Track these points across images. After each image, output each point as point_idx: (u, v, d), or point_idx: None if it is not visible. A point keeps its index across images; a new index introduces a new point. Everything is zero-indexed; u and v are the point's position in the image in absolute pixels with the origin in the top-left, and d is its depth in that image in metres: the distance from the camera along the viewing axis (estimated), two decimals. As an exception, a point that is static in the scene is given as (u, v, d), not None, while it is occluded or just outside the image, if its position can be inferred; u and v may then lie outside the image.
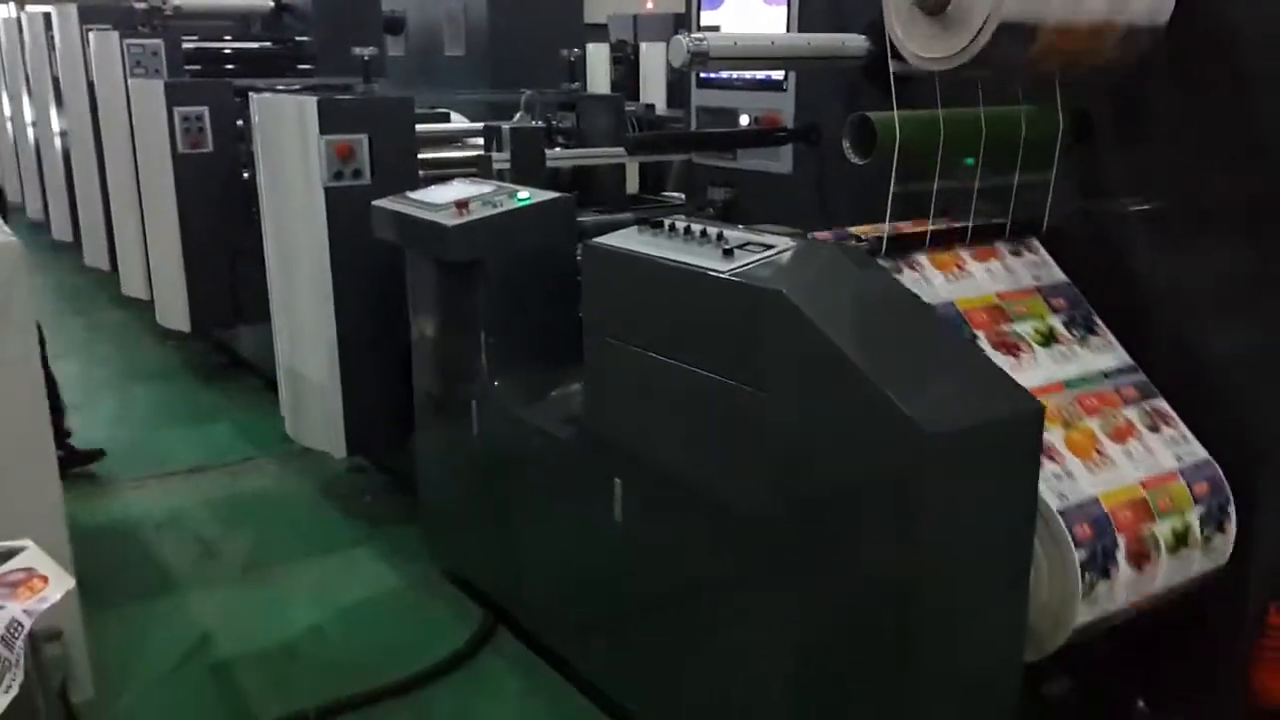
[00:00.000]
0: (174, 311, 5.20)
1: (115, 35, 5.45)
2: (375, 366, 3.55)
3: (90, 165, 6.27)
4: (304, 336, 3.65)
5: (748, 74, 3.20)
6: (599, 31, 10.12)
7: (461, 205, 2.74)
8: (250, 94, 3.74)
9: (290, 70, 5.97)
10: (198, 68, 5.78)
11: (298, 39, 6.04)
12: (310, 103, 3.32)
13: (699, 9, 3.34)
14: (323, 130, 3.33)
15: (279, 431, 4.04)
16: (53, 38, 6.68)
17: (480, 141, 3.87)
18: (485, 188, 2.92)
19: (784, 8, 3.02)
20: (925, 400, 1.63)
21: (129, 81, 5.24)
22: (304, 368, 3.67)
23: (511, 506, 2.80)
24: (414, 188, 3.49)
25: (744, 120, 3.23)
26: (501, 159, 3.18)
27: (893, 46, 2.06)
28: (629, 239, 2.25)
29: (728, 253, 1.99)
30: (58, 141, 7.17)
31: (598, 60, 8.38)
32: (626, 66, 9.66)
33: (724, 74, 3.28)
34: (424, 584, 3.31)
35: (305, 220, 3.47)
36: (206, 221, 4.98)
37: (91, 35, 5.65)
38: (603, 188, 3.80)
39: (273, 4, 6.10)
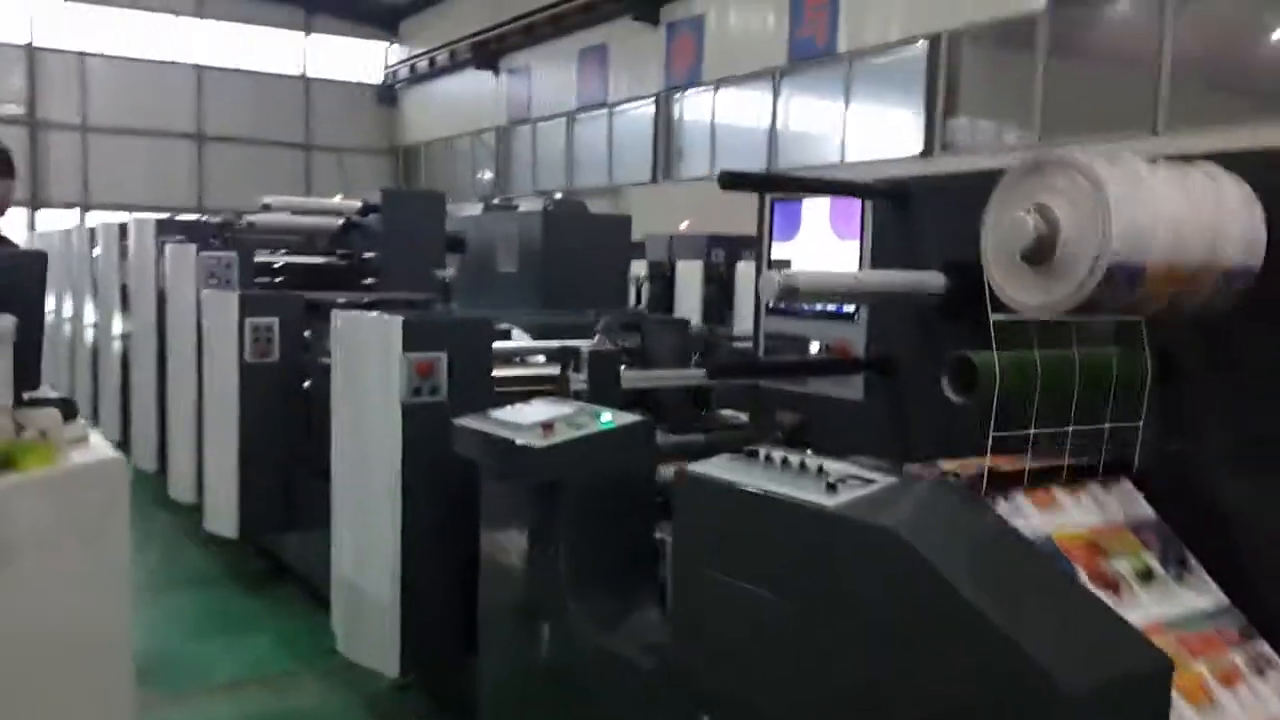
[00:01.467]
0: (223, 517, 5.21)
1: (192, 248, 5.71)
2: (437, 584, 3.51)
3: (150, 369, 6.45)
4: (366, 549, 3.63)
5: (820, 306, 3.32)
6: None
7: (547, 427, 2.78)
8: (332, 310, 3.87)
9: (355, 284, 6.22)
10: (266, 279, 6.03)
11: (364, 255, 6.32)
12: (396, 321, 3.44)
13: (769, 241, 3.50)
14: (405, 348, 3.42)
15: (323, 644, 3.96)
16: (126, 246, 7.00)
17: (541, 359, 4.01)
18: (567, 409, 2.97)
19: (856, 242, 3.16)
20: (1056, 651, 1.60)
21: (202, 291, 5.45)
22: (363, 581, 3.63)
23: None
24: (488, 405, 3.57)
25: (814, 347, 3.32)
26: (579, 379, 3.25)
27: (989, 290, 2.14)
28: (724, 468, 2.26)
29: (831, 486, 1.99)
30: (116, 345, 7.40)
31: (689, 279, 8.72)
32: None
33: (797, 305, 3.39)
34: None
35: (380, 433, 3.52)
36: (265, 429, 5.06)
37: (168, 246, 5.93)
38: (665, 405, 3.86)
39: (342, 222, 6.42)
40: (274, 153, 23.21)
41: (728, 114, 16.09)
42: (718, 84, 16.03)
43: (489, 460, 2.98)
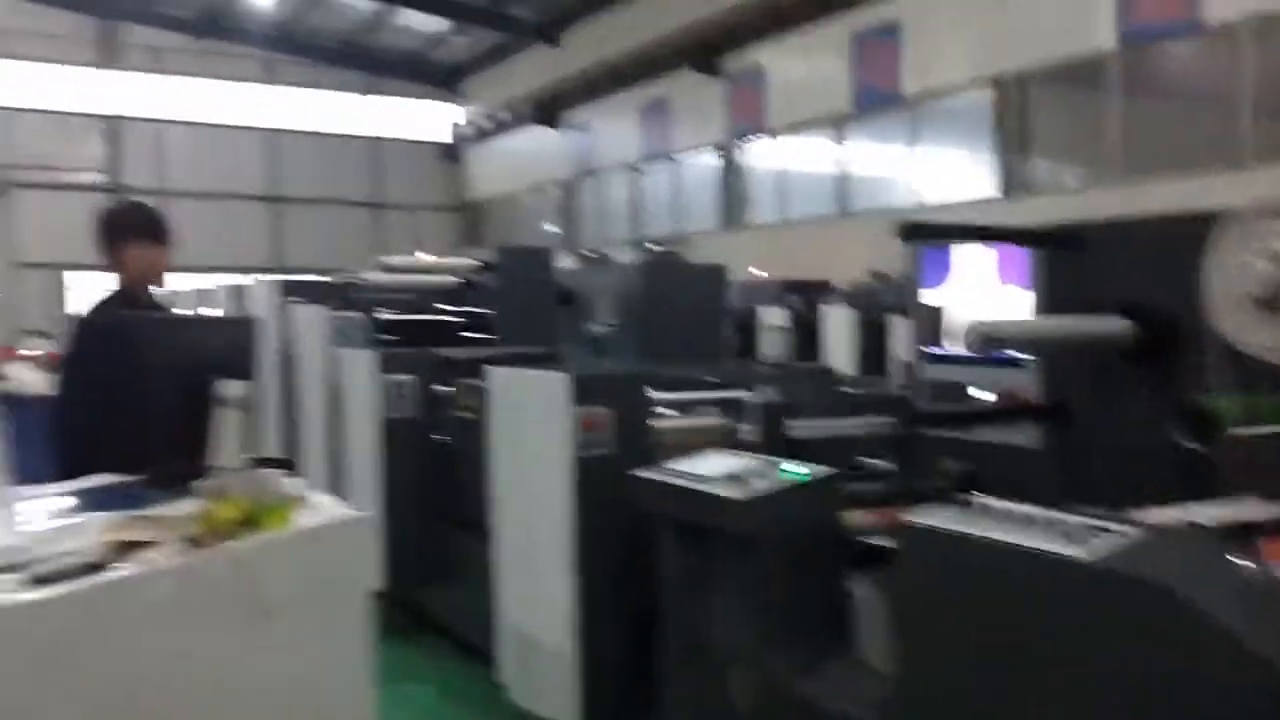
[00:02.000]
0: (363, 569, 5.33)
1: (325, 310, 5.92)
2: (612, 634, 3.59)
3: (270, 427, 6.65)
4: (539, 601, 3.72)
5: (986, 351, 3.38)
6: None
7: (739, 479, 2.86)
8: (485, 366, 4.00)
9: (471, 339, 6.38)
10: (392, 337, 6.21)
11: (480, 311, 6.49)
12: (563, 378, 3.56)
13: (918, 287, 3.57)
14: (574, 403, 3.54)
15: (484, 692, 4.03)
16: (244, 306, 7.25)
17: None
18: (748, 460, 3.05)
19: (1017, 288, 3.23)
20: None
21: (341, 350, 5.63)
22: (537, 632, 3.72)
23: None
24: (650, 457, 3.66)
25: (980, 395, 3.37)
26: (748, 430, 3.34)
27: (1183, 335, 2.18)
28: (947, 518, 2.31)
29: (1076, 536, 2.03)
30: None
31: (772, 325, 8.82)
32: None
33: (955, 350, 3.46)
34: None
35: (549, 487, 3.63)
36: (406, 483, 5.20)
37: (297, 307, 6.14)
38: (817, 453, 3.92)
39: (460, 281, 6.60)
40: (345, 212, 23.81)
41: (794, 160, 16.24)
42: (781, 131, 16.20)
43: (675, 512, 3.05)
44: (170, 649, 2.15)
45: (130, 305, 3.67)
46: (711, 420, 3.82)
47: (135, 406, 2.56)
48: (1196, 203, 2.85)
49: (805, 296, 12.09)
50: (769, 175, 16.63)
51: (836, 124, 15.15)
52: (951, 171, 13.93)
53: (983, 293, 3.29)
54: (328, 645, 2.32)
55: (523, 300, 6.45)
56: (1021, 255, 3.20)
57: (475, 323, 6.51)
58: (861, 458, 4.03)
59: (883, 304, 10.92)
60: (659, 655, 3.35)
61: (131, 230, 3.59)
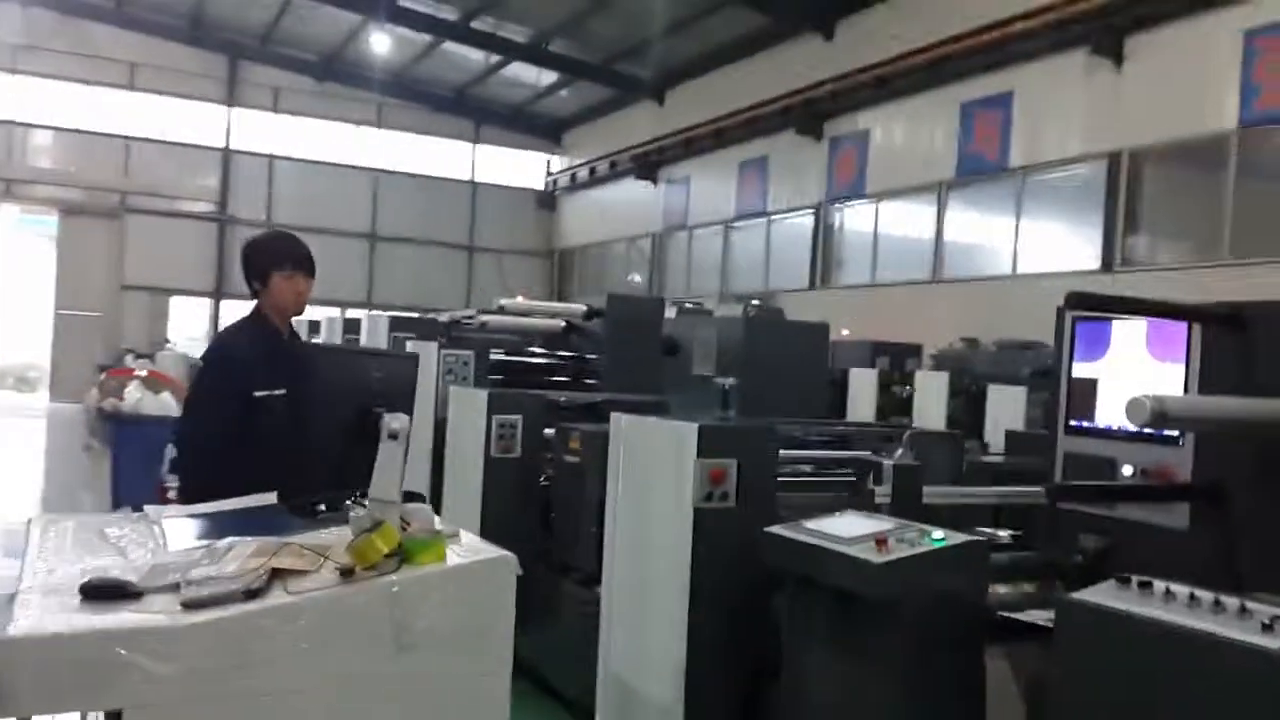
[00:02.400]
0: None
1: (435, 346, 6.00)
2: (723, 689, 3.51)
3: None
4: (646, 651, 3.65)
5: (1132, 427, 3.25)
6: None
7: (881, 542, 2.78)
8: (614, 414, 3.99)
9: (575, 384, 6.40)
10: (499, 377, 6.26)
11: (586, 355, 6.52)
12: (691, 428, 3.52)
13: (1070, 361, 3.46)
14: (700, 454, 3.49)
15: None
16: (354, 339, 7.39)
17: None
18: (886, 523, 2.97)
19: (1180, 365, 3.11)
20: None
21: (450, 388, 5.69)
22: (643, 683, 3.65)
23: None
24: (773, 512, 3.59)
25: (1126, 471, 3.24)
26: (883, 493, 3.26)
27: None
28: (1114, 598, 2.21)
29: (1266, 626, 1.93)
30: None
31: (864, 386, 8.70)
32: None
33: (1103, 424, 3.34)
34: None
35: (668, 537, 3.58)
36: (506, 522, 5.18)
37: (411, 343, 6.23)
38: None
39: (564, 325, 6.65)
40: (439, 253, 24.32)
41: (890, 224, 16.14)
42: (880, 196, 16.13)
43: (809, 571, 2.98)
44: (316, 678, 2.15)
45: (265, 332, 3.73)
46: (826, 478, 3.75)
47: (300, 432, 2.58)
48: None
49: (895, 358, 11.97)
50: (863, 237, 16.54)
51: (937, 190, 15.04)
52: (1055, 243, 13.68)
53: (1134, 368, 3.16)
54: (468, 682, 2.30)
55: (629, 348, 6.46)
56: (1176, 333, 3.08)
57: (579, 368, 6.54)
58: (985, 529, 3.93)
59: (975, 370, 10.75)
60: (767, 714, 3.26)
61: (280, 259, 3.66)
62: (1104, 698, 2.16)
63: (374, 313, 7.29)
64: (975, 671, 2.81)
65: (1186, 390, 3.05)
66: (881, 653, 2.77)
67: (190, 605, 2.11)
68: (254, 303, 3.72)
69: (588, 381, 6.44)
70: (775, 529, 3.12)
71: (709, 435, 3.53)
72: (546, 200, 25.99)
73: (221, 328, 5.46)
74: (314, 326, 8.58)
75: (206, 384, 3.71)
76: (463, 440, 5.37)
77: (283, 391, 3.61)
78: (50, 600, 2.07)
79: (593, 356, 6.54)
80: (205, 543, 2.57)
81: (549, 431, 5.33)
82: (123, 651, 1.97)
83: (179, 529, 2.74)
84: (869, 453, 4.12)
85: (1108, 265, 12.33)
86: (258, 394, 3.55)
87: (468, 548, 2.42)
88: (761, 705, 3.55)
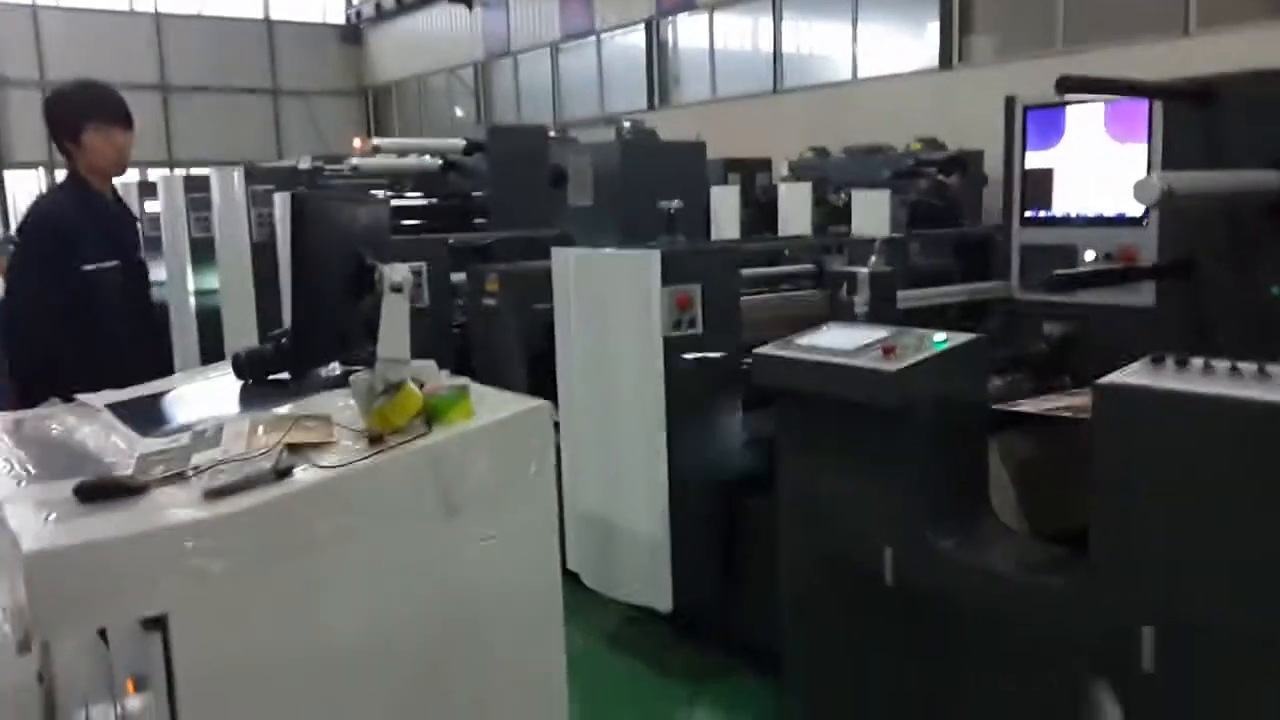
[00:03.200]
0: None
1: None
2: (705, 516, 3.49)
3: (249, 318, 6.26)
4: (625, 485, 3.58)
5: (1091, 211, 3.29)
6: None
7: (888, 350, 2.74)
8: (557, 250, 3.77)
9: (463, 225, 6.07)
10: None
11: (471, 194, 6.16)
12: (654, 256, 3.36)
13: (1023, 151, 3.45)
14: (664, 281, 3.35)
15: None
16: (204, 199, 6.75)
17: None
18: (879, 331, 2.93)
19: (1141, 145, 3.13)
20: None
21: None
22: (621, 518, 3.60)
23: (952, 667, 2.70)
24: (739, 335, 3.52)
25: (1088, 256, 3.29)
26: (861, 302, 3.21)
27: None
28: (1153, 378, 2.24)
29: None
30: (192, 301, 7.18)
31: (727, 204, 8.57)
32: (757, 209, 9.88)
33: (1060, 213, 3.37)
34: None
35: (635, 372, 3.46)
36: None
37: (279, 196, 5.72)
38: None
39: (442, 163, 6.24)
40: (241, 100, 22.48)
41: (726, 36, 15.85)
42: (714, 6, 15.74)
43: (822, 388, 2.89)
44: (363, 557, 1.96)
45: (85, 196, 3.33)
46: (804, 294, 3.69)
47: (304, 289, 2.28)
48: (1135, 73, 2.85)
49: (746, 174, 11.92)
50: (700, 53, 16.21)
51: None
52: (888, 46, 13.78)
53: (1093, 151, 3.17)
54: (517, 540, 2.15)
55: (515, 182, 6.14)
56: (1136, 113, 3.08)
57: (466, 208, 6.19)
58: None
59: (830, 178, 10.83)
60: (749, 534, 3.27)
61: (89, 111, 3.24)
62: (1151, 480, 2.20)
63: (177, 172, 6.61)
64: (982, 465, 2.86)
65: (1150, 169, 3.09)
66: (894, 459, 2.77)
67: (215, 494, 1.86)
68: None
69: (477, 221, 6.11)
70: (765, 350, 3.03)
71: (672, 262, 3.38)
72: (351, 34, 24.24)
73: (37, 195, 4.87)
74: (148, 189, 7.78)
75: (25, 261, 3.30)
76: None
77: (116, 263, 3.28)
78: (43, 510, 1.78)
79: (477, 195, 6.18)
80: (176, 427, 2.29)
81: (457, 277, 5.06)
82: (163, 552, 1.73)
83: (133, 415, 2.44)
84: (812, 265, 4.07)
85: (946, 63, 12.52)
86: (87, 268, 3.19)
87: (493, 400, 2.23)
88: (742, 524, 3.56)
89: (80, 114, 3.29)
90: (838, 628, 3.00)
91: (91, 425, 2.41)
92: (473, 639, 2.13)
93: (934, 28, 12.66)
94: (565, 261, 3.71)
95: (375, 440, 2.04)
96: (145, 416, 2.43)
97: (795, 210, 9.93)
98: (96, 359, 3.05)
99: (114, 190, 3.54)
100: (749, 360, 3.28)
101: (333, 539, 1.93)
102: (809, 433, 3.00)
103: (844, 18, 13.83)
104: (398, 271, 2.21)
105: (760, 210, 10.00)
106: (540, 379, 3.95)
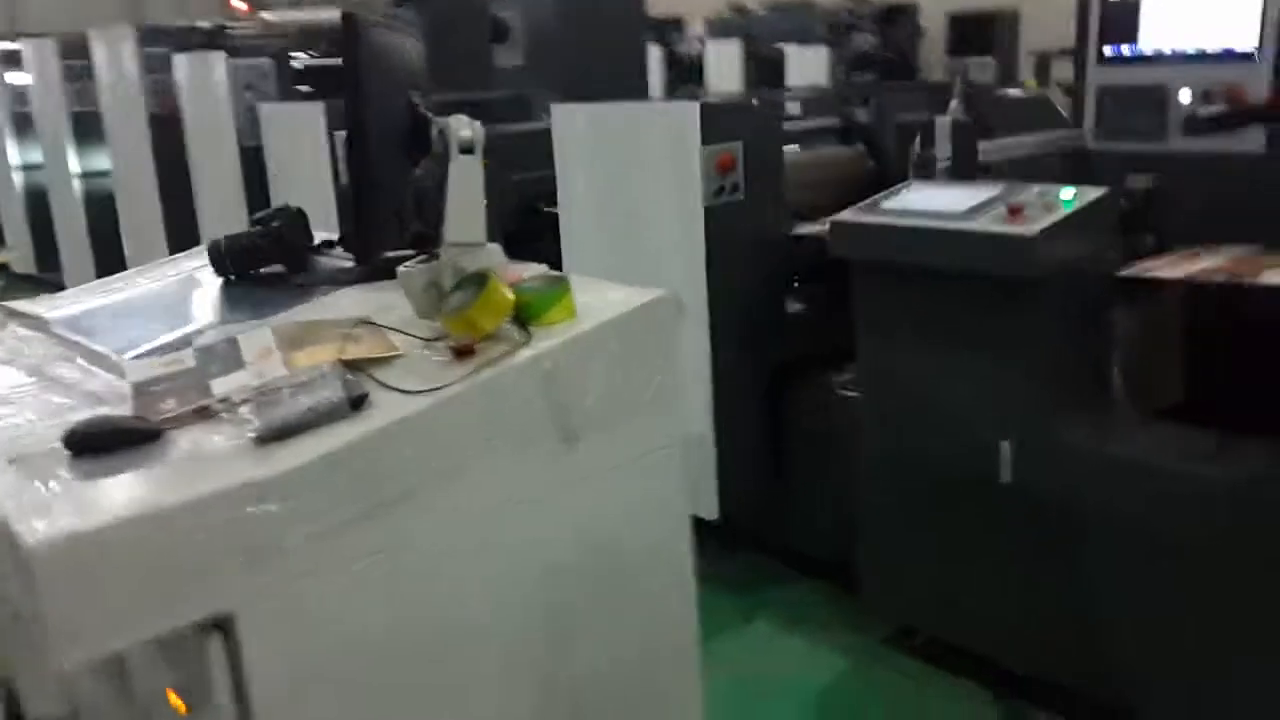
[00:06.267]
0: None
1: (221, 56, 4.73)
2: (752, 410, 3.07)
3: (152, 204, 5.47)
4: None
5: (1191, 48, 2.88)
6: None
7: (1015, 211, 2.31)
8: (558, 107, 3.19)
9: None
10: (306, 88, 5.10)
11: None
12: (692, 109, 2.82)
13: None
14: (704, 140, 2.83)
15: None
16: (85, 67, 5.82)
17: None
18: (986, 189, 2.49)
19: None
20: None
21: (264, 106, 4.54)
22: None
23: (1085, 577, 2.36)
24: (782, 201, 3.05)
25: (1184, 98, 2.90)
26: (944, 156, 2.76)
27: None
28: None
29: None
30: (78, 185, 6.29)
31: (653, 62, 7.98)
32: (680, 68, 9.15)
33: (1149, 49, 2.95)
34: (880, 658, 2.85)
35: (671, 248, 2.96)
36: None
37: (183, 58, 4.90)
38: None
39: (367, 16, 5.45)
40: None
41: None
42: None
43: (935, 258, 2.44)
44: (469, 507, 1.47)
45: None
46: (838, 150, 3.21)
47: (364, 150, 1.71)
48: None
49: (661, 33, 11.23)
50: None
51: None
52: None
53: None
54: (643, 464, 1.69)
55: (451, 38, 5.41)
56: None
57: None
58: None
59: (755, 34, 10.21)
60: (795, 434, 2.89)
61: None
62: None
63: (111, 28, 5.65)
64: (1109, 342, 2.50)
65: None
66: (1014, 339, 2.38)
67: (273, 436, 1.34)
68: None
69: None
70: (846, 216, 2.56)
71: (712, 116, 2.85)
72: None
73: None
74: (9, 57, 6.72)
75: None
76: (304, 164, 4.33)
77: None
78: (33, 476, 1.24)
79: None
80: (167, 341, 1.71)
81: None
82: (222, 526, 1.21)
83: (96, 328, 1.85)
84: (836, 119, 3.59)
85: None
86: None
87: (596, 292, 1.72)
88: (791, 420, 3.16)
89: None
90: (931, 534, 2.65)
91: (45, 344, 1.81)
92: (606, 598, 1.67)
93: None
94: (571, 120, 3.13)
95: (463, 353, 1.53)
96: (111, 328, 1.85)
97: (725, 68, 9.37)
98: None
99: None
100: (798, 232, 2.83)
101: (431, 484, 1.43)
102: (902, 312, 2.57)
103: None
104: (466, 127, 1.64)
105: (683, 70, 9.37)
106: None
